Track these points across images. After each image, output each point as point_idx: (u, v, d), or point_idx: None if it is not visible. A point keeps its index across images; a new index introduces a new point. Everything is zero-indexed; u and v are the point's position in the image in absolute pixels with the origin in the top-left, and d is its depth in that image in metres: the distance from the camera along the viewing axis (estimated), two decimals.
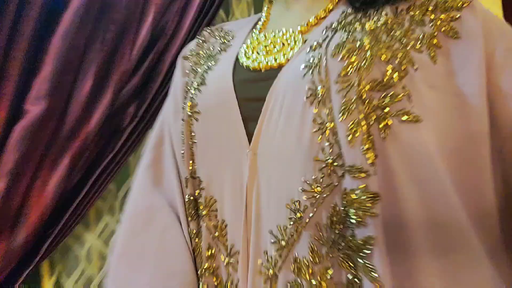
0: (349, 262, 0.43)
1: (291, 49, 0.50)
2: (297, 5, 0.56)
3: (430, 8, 0.49)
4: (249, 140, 0.48)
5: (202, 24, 0.90)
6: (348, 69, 0.43)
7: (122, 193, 0.98)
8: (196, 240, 0.54)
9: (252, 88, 0.50)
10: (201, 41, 0.63)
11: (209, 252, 0.52)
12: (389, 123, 0.42)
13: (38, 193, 0.76)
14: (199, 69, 0.57)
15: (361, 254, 0.41)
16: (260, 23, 0.58)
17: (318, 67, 0.44)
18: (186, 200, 0.55)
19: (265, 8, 0.60)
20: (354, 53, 0.44)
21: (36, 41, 0.72)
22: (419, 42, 0.47)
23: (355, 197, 0.41)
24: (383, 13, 0.49)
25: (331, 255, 0.44)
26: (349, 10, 0.50)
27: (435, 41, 0.47)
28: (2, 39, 0.68)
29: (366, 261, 0.40)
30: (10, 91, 0.69)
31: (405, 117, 0.42)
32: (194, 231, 0.54)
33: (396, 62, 0.44)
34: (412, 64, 0.45)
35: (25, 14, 0.72)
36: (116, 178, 0.93)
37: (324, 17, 0.53)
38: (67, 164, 0.78)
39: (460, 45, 0.47)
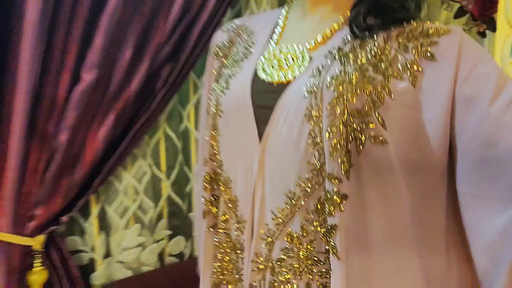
0: (326, 237, 0.54)
1: (298, 67, 0.59)
2: (313, 17, 0.63)
3: (415, 34, 0.56)
4: (260, 139, 0.58)
5: (224, 4, 1.02)
6: (337, 99, 0.52)
7: (153, 142, 1.17)
8: (210, 206, 0.68)
9: (265, 98, 0.59)
10: (227, 41, 0.71)
11: (224, 217, 0.65)
12: (364, 142, 0.52)
13: (91, 142, 0.95)
14: (224, 72, 0.67)
15: (330, 235, 0.53)
16: (277, 31, 0.66)
17: (315, 93, 0.54)
18: (204, 175, 0.67)
19: (283, 13, 0.68)
20: (344, 86, 0.52)
21: (89, 19, 0.85)
22: (401, 69, 0.53)
23: (330, 195, 0.53)
24: (376, 42, 0.55)
25: (314, 232, 0.56)
26: (349, 37, 0.58)
27: (415, 66, 0.53)
28: (64, 19, 0.81)
29: (331, 241, 0.53)
30: (71, 62, 0.85)
31: (376, 140, 0.51)
32: (211, 199, 0.68)
33: (376, 94, 0.52)
34: (390, 94, 0.52)
35: None
36: (149, 131, 1.11)
37: (331, 36, 0.60)
38: (113, 120, 0.96)
39: (436, 67, 0.53)
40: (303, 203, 0.56)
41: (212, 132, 0.65)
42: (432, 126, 0.53)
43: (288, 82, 0.58)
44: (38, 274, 0.97)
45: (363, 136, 0.52)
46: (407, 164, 0.53)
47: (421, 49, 0.54)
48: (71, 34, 0.83)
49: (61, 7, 0.80)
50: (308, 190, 0.55)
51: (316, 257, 0.56)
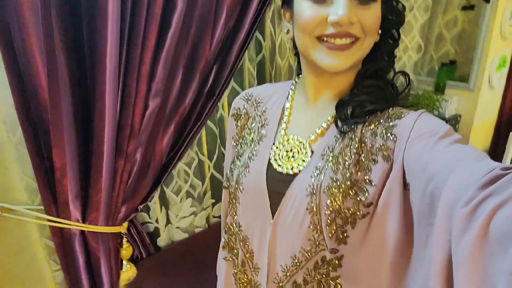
0: (324, 285, 0.69)
1: (302, 161, 0.69)
2: (315, 105, 0.72)
3: (382, 121, 0.65)
4: (272, 215, 0.71)
5: (257, 19, 1.13)
6: (332, 202, 0.63)
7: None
8: (230, 253, 0.82)
9: (277, 185, 0.70)
10: (245, 111, 0.81)
11: (242, 264, 0.79)
12: (356, 221, 0.64)
13: (158, 151, 1.15)
14: (241, 148, 0.79)
15: (334, 280, 0.68)
16: (285, 118, 0.75)
17: (315, 195, 0.65)
18: (224, 240, 0.83)
19: (291, 93, 0.77)
20: (336, 192, 0.63)
21: (153, 58, 0.99)
22: (376, 153, 0.63)
23: (329, 259, 0.67)
24: (356, 138, 0.65)
25: (313, 281, 0.69)
26: (338, 135, 0.67)
27: (384, 147, 0.63)
28: (135, 64, 0.96)
29: (338, 282, 0.68)
30: (141, 96, 1.01)
31: (364, 216, 0.63)
32: (229, 251, 0.82)
33: (360, 190, 0.63)
34: (371, 183, 0.62)
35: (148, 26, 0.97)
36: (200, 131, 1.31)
37: (328, 128, 0.70)
38: (172, 130, 1.15)
39: (398, 143, 0.61)
40: (304, 263, 0.69)
41: (232, 200, 0.78)
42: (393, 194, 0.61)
43: (295, 174, 0.69)
44: (126, 249, 1.26)
45: (355, 218, 0.64)
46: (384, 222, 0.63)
47: (386, 132, 0.63)
48: (140, 74, 0.98)
49: (132, 53, 0.94)
50: (308, 256, 0.68)
51: None
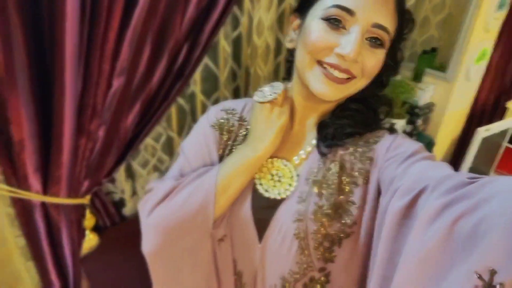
0: None
1: (289, 185, 0.69)
2: (299, 127, 0.73)
3: (360, 144, 0.68)
4: (260, 240, 0.70)
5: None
6: (319, 227, 0.65)
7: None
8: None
9: (263, 212, 0.70)
10: (229, 124, 0.77)
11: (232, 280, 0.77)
12: (341, 241, 0.66)
13: (123, 128, 1.14)
14: None
15: None
16: None
17: (302, 222, 0.66)
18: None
19: None
20: (323, 218, 0.65)
21: (118, 37, 0.95)
22: (356, 176, 0.66)
23: (318, 277, 0.68)
24: (337, 161, 0.67)
25: None
26: (320, 159, 0.69)
27: (363, 169, 0.66)
28: (98, 42, 0.92)
29: None
30: (105, 75, 0.98)
31: (349, 236, 0.66)
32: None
33: (345, 212, 0.65)
34: (354, 203, 0.65)
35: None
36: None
37: (311, 151, 0.71)
38: (139, 108, 1.14)
39: (373, 168, 0.66)
40: (293, 284, 0.70)
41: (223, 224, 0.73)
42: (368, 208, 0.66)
43: (282, 199, 0.70)
44: (88, 220, 1.28)
45: (341, 238, 0.66)
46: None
47: (363, 156, 0.67)
48: (104, 54, 0.95)
49: (94, 30, 0.91)
50: (297, 277, 0.69)
51: None
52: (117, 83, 1.02)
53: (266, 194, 0.70)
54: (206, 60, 1.38)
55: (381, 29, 0.61)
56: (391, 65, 0.68)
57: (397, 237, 0.50)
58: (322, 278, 0.69)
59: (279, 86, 0.72)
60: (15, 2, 0.81)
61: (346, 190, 0.66)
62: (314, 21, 0.63)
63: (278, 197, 0.70)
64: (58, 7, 0.83)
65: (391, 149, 0.65)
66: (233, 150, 0.76)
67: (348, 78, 0.63)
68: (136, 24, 0.97)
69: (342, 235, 0.66)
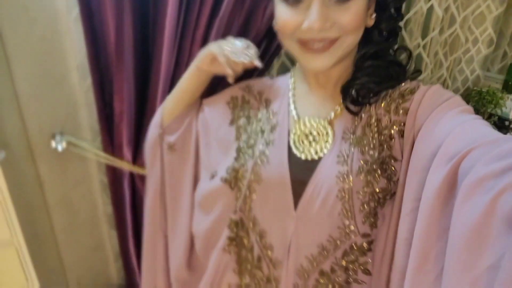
0: (350, 273, 0.67)
1: (325, 142, 0.66)
2: (319, 91, 0.71)
3: (394, 97, 0.65)
4: (295, 207, 0.67)
5: None
6: (366, 185, 0.62)
7: None
8: (236, 249, 0.78)
9: (300, 173, 0.67)
10: (246, 99, 0.79)
11: (258, 259, 0.75)
12: (384, 202, 0.63)
13: None
14: (250, 139, 0.74)
15: (363, 266, 0.67)
16: (292, 104, 0.73)
17: (345, 181, 0.62)
18: (233, 221, 0.77)
19: (291, 83, 0.76)
20: (368, 175, 0.62)
21: (207, 26, 1.08)
22: (391, 130, 0.63)
23: (359, 245, 0.65)
24: (372, 118, 0.64)
25: (341, 269, 0.68)
26: (354, 118, 0.66)
27: (398, 122, 0.63)
28: (190, 28, 1.05)
29: (366, 269, 0.67)
30: (195, 54, 1.11)
31: (391, 197, 0.63)
32: (236, 243, 0.77)
33: (389, 168, 0.62)
34: (395, 159, 0.63)
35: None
36: None
37: (340, 112, 0.69)
38: None
39: (409, 119, 0.62)
40: (333, 252, 0.67)
41: (246, 193, 0.72)
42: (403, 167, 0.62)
43: (319, 158, 0.67)
44: None
45: (385, 198, 0.64)
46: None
47: (399, 108, 0.64)
48: (195, 38, 1.08)
49: (189, 17, 1.04)
50: (337, 244, 0.67)
51: (340, 284, 0.70)
52: None
53: (303, 156, 0.68)
54: (282, 58, 1.46)
55: None
56: (382, 7, 0.64)
57: (443, 211, 0.46)
58: (365, 245, 0.66)
59: (251, 48, 0.75)
60: None
61: (385, 145, 0.64)
62: (277, 4, 0.64)
63: (316, 157, 0.67)
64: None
65: (427, 99, 0.60)
66: (257, 122, 0.76)
67: (332, 41, 0.62)
68: (223, 15, 1.09)
69: (387, 194, 0.64)
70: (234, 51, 0.74)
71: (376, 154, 0.63)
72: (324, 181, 0.64)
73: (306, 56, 0.64)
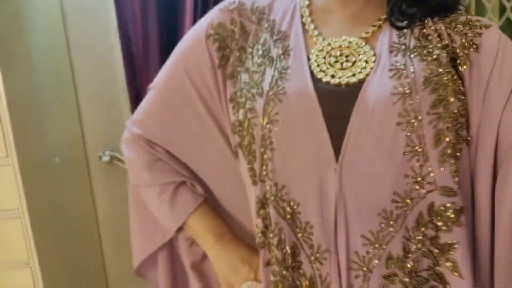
0: (431, 257, 0.47)
1: (366, 62, 0.50)
2: (345, 9, 0.54)
3: (458, 24, 0.51)
4: (336, 154, 0.47)
5: None
6: (439, 101, 0.45)
7: None
8: (264, 238, 0.53)
9: (335, 105, 0.49)
10: (237, 26, 0.57)
11: (293, 250, 0.51)
12: (462, 146, 0.48)
13: None
14: (257, 75, 0.53)
15: (446, 252, 0.47)
16: (308, 22, 0.56)
17: (408, 97, 0.45)
18: (256, 201, 0.53)
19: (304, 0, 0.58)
20: (440, 86, 0.46)
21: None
22: (460, 56, 0.49)
23: (443, 209, 0.46)
24: (430, 31, 0.51)
25: (417, 250, 0.47)
26: (403, 31, 0.52)
27: (464, 54, 0.49)
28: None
29: (451, 258, 0.46)
30: None
31: (467, 141, 0.49)
32: (262, 228, 0.53)
33: (459, 90, 0.48)
34: (463, 85, 0.49)
35: None
36: None
37: (380, 29, 0.53)
38: None
39: (480, 58, 0.49)
40: (402, 221, 0.47)
41: (262, 148, 0.51)
42: (475, 113, 0.49)
43: (360, 81, 0.49)
44: None
45: (462, 138, 0.48)
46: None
47: (466, 39, 0.50)
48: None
49: None
50: (408, 205, 0.47)
51: (420, 276, 0.48)
52: None
53: (335, 80, 0.50)
54: None
55: None
56: None
57: None
58: (450, 213, 0.46)
59: None
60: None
61: (457, 62, 0.50)
62: None
63: (354, 80, 0.49)
64: (182, 4, 1.19)
65: (501, 59, 0.48)
66: (257, 50, 0.56)
67: None
68: None
69: (461, 126, 0.48)
70: None
71: (444, 62, 0.48)
72: (375, 105, 0.46)
73: None
